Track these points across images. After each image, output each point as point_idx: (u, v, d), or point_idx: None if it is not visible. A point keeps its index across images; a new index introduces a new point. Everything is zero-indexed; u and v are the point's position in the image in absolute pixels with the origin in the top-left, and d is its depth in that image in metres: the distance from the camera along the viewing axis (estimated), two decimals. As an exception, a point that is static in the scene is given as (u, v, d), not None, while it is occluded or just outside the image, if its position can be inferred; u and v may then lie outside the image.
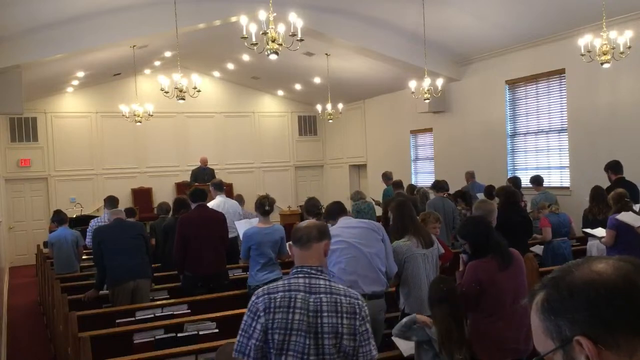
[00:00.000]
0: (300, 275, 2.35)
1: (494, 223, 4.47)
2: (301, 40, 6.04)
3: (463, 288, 3.51)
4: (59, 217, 8.01)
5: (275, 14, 6.01)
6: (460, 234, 3.72)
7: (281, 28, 5.96)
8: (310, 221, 2.58)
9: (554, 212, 6.72)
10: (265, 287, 2.35)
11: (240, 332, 2.28)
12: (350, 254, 3.93)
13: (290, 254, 2.51)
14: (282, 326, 2.23)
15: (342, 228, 4.14)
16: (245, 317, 2.29)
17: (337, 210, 4.42)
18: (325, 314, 2.28)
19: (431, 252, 4.21)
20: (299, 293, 2.29)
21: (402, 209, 4.34)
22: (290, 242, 2.49)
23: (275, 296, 2.27)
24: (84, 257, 8.32)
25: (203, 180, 12.01)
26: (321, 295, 2.30)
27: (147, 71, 13.35)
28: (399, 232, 4.25)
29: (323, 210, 5.62)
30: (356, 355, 2.33)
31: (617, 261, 0.94)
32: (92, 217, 10.62)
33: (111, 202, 7.31)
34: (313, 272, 2.36)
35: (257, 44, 6.13)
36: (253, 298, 2.30)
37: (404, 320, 3.49)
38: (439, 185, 8.12)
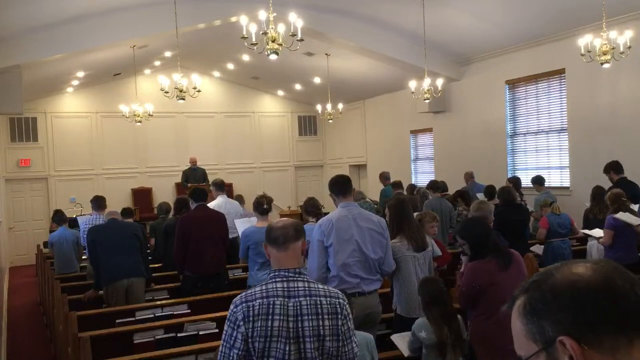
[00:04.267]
0: (277, 279, 2.29)
1: (491, 223, 4.47)
2: (301, 40, 6.04)
3: (463, 289, 3.51)
4: (59, 217, 8.01)
5: (275, 14, 6.02)
6: (460, 234, 3.72)
7: (281, 28, 5.96)
8: (285, 219, 2.50)
9: (554, 213, 6.72)
10: (243, 294, 2.29)
11: (222, 342, 2.24)
12: (357, 257, 3.92)
13: (267, 254, 2.44)
14: (262, 334, 2.18)
15: (354, 221, 3.95)
16: (225, 327, 2.24)
17: (344, 187, 4.08)
18: (306, 317, 2.24)
19: (423, 255, 4.16)
20: (277, 299, 2.23)
21: (400, 208, 4.29)
22: (265, 242, 2.41)
23: (254, 304, 2.21)
24: (83, 257, 8.32)
25: (195, 180, 12.01)
26: (300, 299, 2.26)
27: (147, 71, 13.35)
28: (393, 231, 4.20)
29: (323, 211, 5.61)
30: (339, 354, 2.29)
31: (594, 264, 0.97)
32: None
33: (97, 203, 7.16)
34: (291, 275, 2.30)
35: (257, 44, 6.13)
36: (232, 307, 2.25)
37: (409, 341, 3.50)
38: (436, 185, 8.13)
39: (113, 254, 5.57)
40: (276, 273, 2.32)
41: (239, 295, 2.29)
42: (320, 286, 2.36)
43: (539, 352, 0.93)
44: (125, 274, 5.57)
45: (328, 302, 2.29)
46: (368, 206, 8.85)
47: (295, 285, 2.28)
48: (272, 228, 2.40)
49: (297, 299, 2.25)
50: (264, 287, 2.28)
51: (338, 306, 2.31)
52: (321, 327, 2.25)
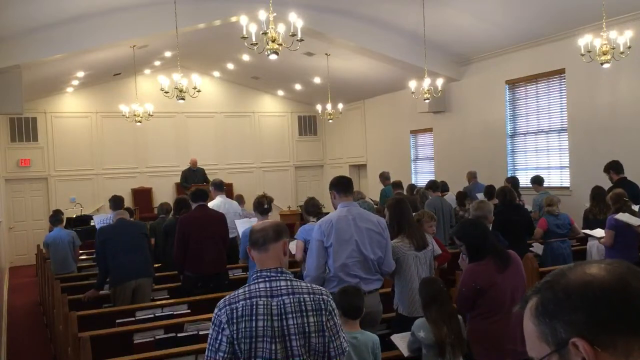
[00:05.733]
0: (260, 280, 2.31)
1: (491, 222, 4.48)
2: (301, 40, 6.04)
3: (462, 289, 3.51)
4: (54, 218, 8.01)
5: (275, 14, 6.02)
6: (457, 236, 3.72)
7: (281, 28, 5.96)
8: (265, 222, 2.53)
9: (552, 214, 6.67)
10: (227, 297, 2.31)
11: (207, 345, 2.25)
12: (356, 257, 3.93)
13: (251, 257, 2.46)
14: (247, 335, 2.20)
15: (353, 222, 3.96)
16: (210, 331, 2.26)
17: (345, 187, 4.10)
18: (290, 316, 2.25)
19: (424, 254, 4.16)
20: (260, 299, 2.25)
21: (400, 207, 4.29)
22: (248, 246, 2.45)
23: (237, 306, 2.23)
24: (82, 257, 8.32)
25: (194, 181, 12.04)
26: (283, 297, 2.27)
27: (147, 71, 13.35)
28: (394, 232, 4.20)
29: (324, 211, 5.62)
30: (327, 350, 2.31)
31: (608, 264, 0.95)
32: (92, 217, 10.61)
33: (115, 202, 7.22)
34: (273, 274, 2.32)
35: (257, 44, 6.13)
36: (215, 310, 2.27)
37: (409, 342, 3.50)
38: (435, 185, 8.14)
39: (122, 253, 5.59)
40: (259, 274, 2.34)
41: (223, 299, 2.31)
42: (304, 284, 2.39)
43: (551, 354, 0.92)
44: (134, 274, 5.60)
45: (311, 299, 2.31)
46: (367, 206, 8.85)
47: (278, 285, 2.30)
48: (252, 231, 2.44)
49: (280, 298, 2.27)
50: (247, 289, 2.30)
51: (322, 302, 2.32)
52: (306, 324, 2.26)
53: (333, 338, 2.32)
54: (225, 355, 2.19)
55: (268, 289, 2.28)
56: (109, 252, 5.62)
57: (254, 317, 2.21)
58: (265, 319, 2.22)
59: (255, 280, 2.32)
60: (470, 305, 3.48)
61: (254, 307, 2.23)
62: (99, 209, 12.96)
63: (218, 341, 2.21)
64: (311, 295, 2.32)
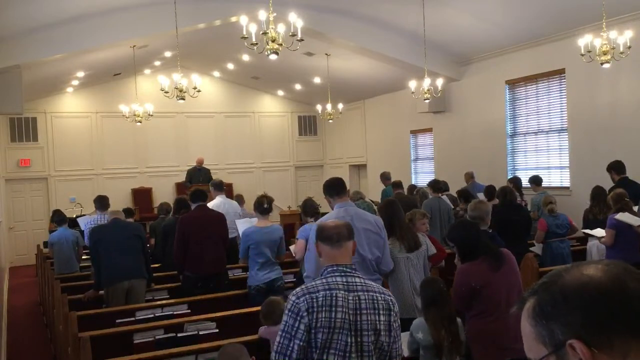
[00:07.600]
0: (337, 273, 2.37)
1: (488, 224, 4.48)
2: (301, 40, 6.04)
3: (456, 289, 3.52)
4: (59, 218, 8.01)
5: (275, 14, 6.01)
6: (449, 237, 3.72)
7: (281, 28, 5.96)
8: (336, 220, 2.62)
9: (551, 213, 6.67)
10: (304, 286, 2.35)
11: (280, 333, 2.27)
12: (354, 258, 3.93)
13: (318, 252, 2.51)
14: (325, 325, 2.23)
15: (351, 222, 3.97)
16: (285, 318, 2.28)
17: (338, 188, 4.11)
18: (365, 312, 2.31)
19: (416, 255, 4.16)
20: (339, 291, 2.30)
21: (391, 209, 4.29)
22: (317, 241, 2.49)
23: (317, 295, 2.27)
24: (83, 257, 8.33)
25: (198, 181, 12.03)
26: (359, 293, 2.33)
27: (147, 71, 13.35)
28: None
29: (321, 211, 5.62)
30: (390, 350, 2.36)
31: (605, 265, 0.95)
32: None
33: (101, 203, 7.16)
34: (348, 270, 2.38)
35: (257, 44, 6.13)
36: (293, 298, 2.30)
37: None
38: (437, 185, 8.12)
39: (115, 254, 5.55)
40: (334, 268, 2.39)
41: (300, 288, 2.35)
42: (373, 283, 2.46)
43: (548, 355, 0.92)
44: (126, 276, 5.55)
45: (382, 298, 2.38)
46: (366, 206, 8.85)
47: (354, 280, 2.37)
48: (324, 227, 2.50)
49: (356, 293, 2.33)
50: (324, 280, 2.35)
51: (391, 303, 2.40)
52: (377, 322, 2.33)
53: (396, 339, 2.38)
54: (301, 343, 2.22)
55: (345, 283, 2.34)
56: (102, 253, 5.58)
57: (333, 308, 2.26)
58: (344, 311, 2.27)
59: (332, 274, 2.37)
60: (467, 305, 3.49)
61: (334, 298, 2.27)
62: (99, 209, 12.95)
63: (295, 328, 2.23)
64: (382, 295, 2.39)
